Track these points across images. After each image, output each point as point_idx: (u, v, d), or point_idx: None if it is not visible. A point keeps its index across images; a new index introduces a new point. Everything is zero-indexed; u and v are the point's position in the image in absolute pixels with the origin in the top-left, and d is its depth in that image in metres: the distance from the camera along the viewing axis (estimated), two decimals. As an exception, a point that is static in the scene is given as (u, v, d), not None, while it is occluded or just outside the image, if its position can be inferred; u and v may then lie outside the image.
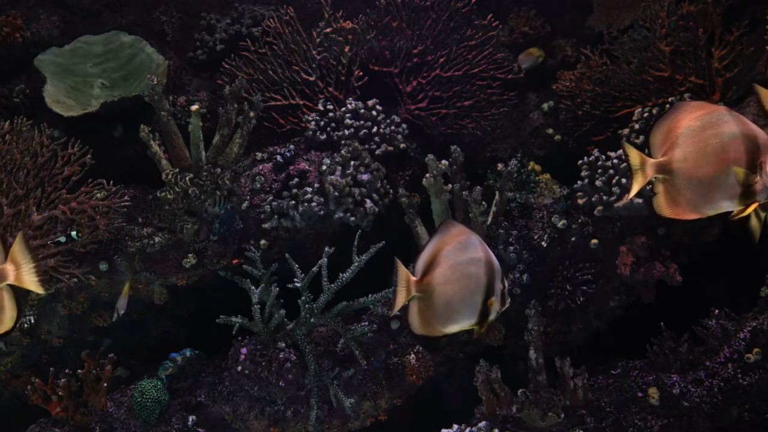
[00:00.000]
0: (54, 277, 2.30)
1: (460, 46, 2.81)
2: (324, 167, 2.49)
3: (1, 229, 2.29)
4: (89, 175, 2.36)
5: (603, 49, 2.67)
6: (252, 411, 2.41)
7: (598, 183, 2.35)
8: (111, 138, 2.69)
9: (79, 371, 2.40)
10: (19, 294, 1.59)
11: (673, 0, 2.45)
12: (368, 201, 2.48)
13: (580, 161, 2.41)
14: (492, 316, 1.54)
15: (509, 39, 2.96)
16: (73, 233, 2.28)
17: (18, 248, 1.53)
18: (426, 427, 2.34)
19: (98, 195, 2.34)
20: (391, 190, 2.58)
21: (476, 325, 1.55)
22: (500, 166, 2.39)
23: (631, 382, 2.29)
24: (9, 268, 1.52)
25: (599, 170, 2.37)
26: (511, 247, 2.40)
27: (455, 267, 1.53)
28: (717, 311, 2.29)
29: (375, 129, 2.66)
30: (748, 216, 1.80)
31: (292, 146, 2.66)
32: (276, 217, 2.49)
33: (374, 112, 2.69)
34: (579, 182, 2.40)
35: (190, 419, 2.41)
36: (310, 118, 2.69)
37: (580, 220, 2.43)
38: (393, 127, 2.69)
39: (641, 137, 2.36)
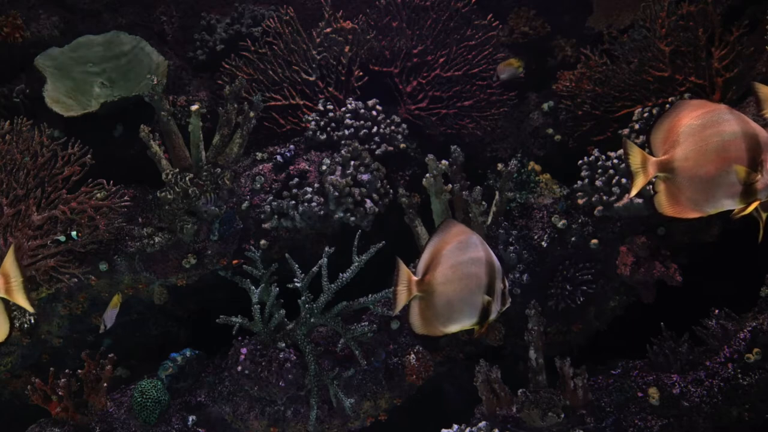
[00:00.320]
0: (54, 277, 2.30)
1: (460, 46, 2.81)
2: (324, 167, 2.49)
3: (1, 229, 2.29)
4: (89, 175, 2.36)
5: (603, 49, 2.67)
6: (252, 411, 2.41)
7: (598, 183, 2.35)
8: (111, 138, 2.69)
9: (79, 371, 2.40)
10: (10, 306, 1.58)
11: (673, 0, 2.45)
12: (368, 201, 2.48)
13: (580, 161, 2.41)
14: (492, 316, 1.54)
15: (509, 39, 2.96)
16: (73, 233, 2.28)
17: (9, 262, 1.51)
18: (426, 427, 2.34)
19: (98, 195, 2.34)
20: (391, 190, 2.58)
21: (477, 325, 1.55)
22: (500, 166, 2.39)
23: (631, 382, 2.29)
24: None
25: (599, 170, 2.37)
26: (511, 247, 2.40)
27: (456, 266, 1.53)
28: (717, 311, 2.29)
29: (375, 129, 2.66)
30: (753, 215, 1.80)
31: (292, 146, 2.66)
32: (276, 217, 2.49)
33: (374, 112, 2.69)
34: (579, 182, 2.41)
35: (190, 419, 2.41)
36: (310, 118, 2.69)
37: (580, 220, 2.43)
38: (393, 127, 2.69)
39: (641, 137, 2.36)
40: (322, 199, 2.46)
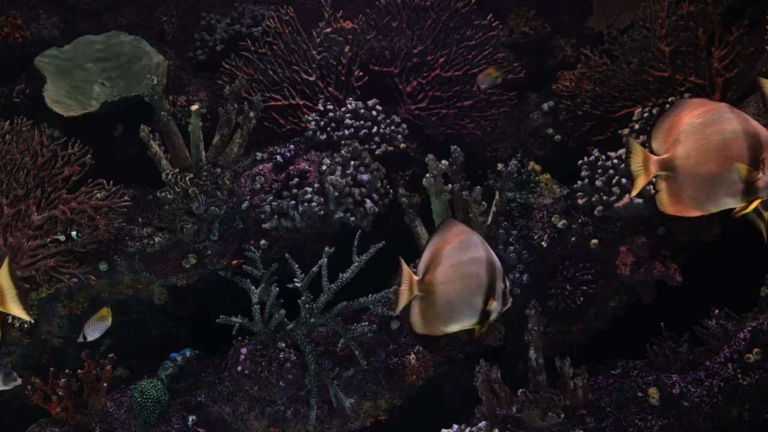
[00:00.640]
0: (54, 277, 2.30)
1: (460, 46, 2.81)
2: (324, 167, 2.49)
3: (1, 229, 2.29)
4: (89, 175, 2.36)
5: (603, 49, 2.67)
6: (252, 411, 2.41)
7: (598, 183, 2.35)
8: (111, 138, 2.69)
9: (79, 371, 2.40)
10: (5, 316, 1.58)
11: (673, 0, 2.45)
12: (368, 201, 2.48)
13: (580, 161, 2.42)
14: (493, 316, 1.54)
15: (509, 39, 2.96)
16: (73, 233, 2.28)
17: (3, 274, 1.51)
18: (426, 427, 2.34)
19: (98, 195, 2.34)
20: (391, 190, 2.58)
21: (477, 325, 1.55)
22: (500, 166, 2.39)
23: (631, 382, 2.29)
24: None
25: (599, 170, 2.37)
26: (511, 247, 2.40)
27: (456, 266, 1.53)
28: (717, 311, 2.29)
29: (375, 129, 2.66)
30: (753, 216, 1.80)
31: (292, 146, 2.66)
32: (276, 217, 2.49)
33: (374, 112, 2.69)
34: (579, 182, 2.41)
35: (190, 419, 2.41)
36: (310, 118, 2.69)
37: (580, 220, 2.43)
38: (393, 127, 2.69)
39: (641, 137, 2.36)
40: (322, 199, 2.46)
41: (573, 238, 2.43)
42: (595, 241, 2.41)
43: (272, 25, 2.82)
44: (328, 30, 2.76)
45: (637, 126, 2.43)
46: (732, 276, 2.45)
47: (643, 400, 2.25)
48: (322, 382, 2.35)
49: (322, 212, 2.45)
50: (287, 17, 2.79)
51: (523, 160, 2.62)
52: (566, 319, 2.50)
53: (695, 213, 1.53)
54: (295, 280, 2.32)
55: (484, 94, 2.84)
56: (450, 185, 2.40)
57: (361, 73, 2.78)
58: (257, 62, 2.82)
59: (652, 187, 2.22)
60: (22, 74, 2.74)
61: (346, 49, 2.76)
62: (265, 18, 2.91)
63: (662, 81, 2.52)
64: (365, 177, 2.49)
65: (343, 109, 2.69)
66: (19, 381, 2.26)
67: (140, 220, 2.48)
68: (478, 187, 2.32)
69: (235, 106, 2.49)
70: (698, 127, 1.49)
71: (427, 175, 2.34)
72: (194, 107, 2.37)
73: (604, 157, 2.38)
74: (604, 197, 2.34)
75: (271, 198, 2.52)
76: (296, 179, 2.54)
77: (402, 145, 2.69)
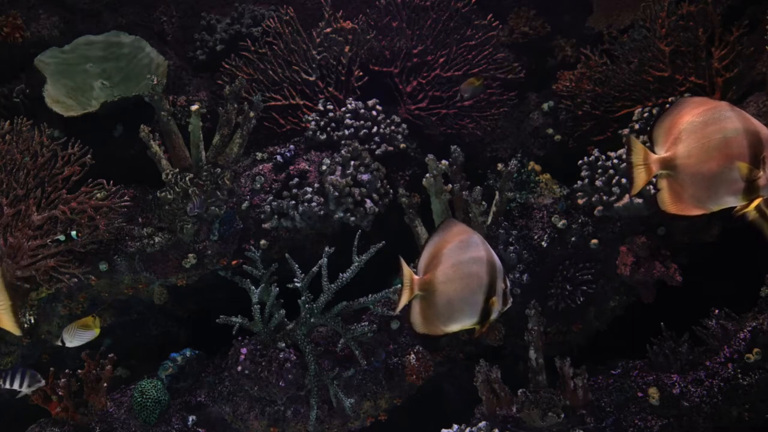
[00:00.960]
0: (54, 277, 2.30)
1: (460, 46, 2.81)
2: (324, 167, 2.49)
3: (1, 229, 2.29)
4: (89, 175, 2.36)
5: (603, 49, 2.67)
6: (252, 411, 2.41)
7: (598, 183, 2.35)
8: (111, 138, 2.69)
9: (79, 371, 2.40)
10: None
11: (673, 0, 2.45)
12: (368, 201, 2.48)
13: (580, 161, 2.42)
14: (493, 316, 1.54)
15: (509, 39, 2.96)
16: (73, 233, 2.28)
17: None
18: (426, 427, 2.34)
19: (98, 195, 2.34)
20: (391, 190, 2.58)
21: (477, 325, 1.55)
22: (500, 166, 2.39)
23: (631, 382, 2.29)
24: None
25: (599, 170, 2.37)
26: (511, 247, 2.40)
27: (457, 266, 1.52)
28: (717, 311, 2.29)
29: (375, 129, 2.66)
30: (756, 216, 1.80)
31: (292, 146, 2.66)
32: (276, 217, 2.49)
33: (374, 112, 2.69)
34: (579, 182, 2.41)
35: (190, 419, 2.41)
36: (310, 118, 2.69)
37: (580, 220, 2.43)
38: (393, 127, 2.69)
39: (641, 137, 2.36)
40: (322, 199, 2.46)
41: (573, 238, 2.43)
42: (595, 241, 2.41)
43: (272, 25, 2.82)
44: (328, 30, 2.76)
45: (637, 126, 2.43)
46: (732, 276, 2.45)
47: (643, 400, 2.25)
48: (322, 382, 2.35)
49: (322, 212, 2.45)
50: (287, 17, 2.79)
51: (523, 160, 2.62)
52: (566, 319, 2.50)
53: (696, 212, 1.52)
54: (295, 280, 2.32)
55: (484, 94, 2.84)
56: (450, 185, 2.40)
57: (361, 73, 2.78)
58: (257, 62, 2.82)
59: (652, 187, 2.22)
60: (22, 74, 2.74)
61: (346, 49, 2.76)
62: (265, 18, 2.92)
63: (662, 81, 2.52)
64: (365, 177, 2.49)
65: (343, 109, 2.69)
66: (42, 382, 2.27)
67: (140, 220, 2.48)
68: (478, 187, 2.32)
69: (235, 106, 2.49)
70: (699, 126, 1.49)
71: (427, 175, 2.34)
72: (194, 107, 2.37)
73: (604, 157, 2.38)
74: (604, 197, 2.34)
75: (271, 198, 2.52)
76: (296, 179, 2.54)
77: (402, 145, 2.69)
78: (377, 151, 2.63)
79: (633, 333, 2.44)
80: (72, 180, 2.34)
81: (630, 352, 2.42)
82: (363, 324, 2.36)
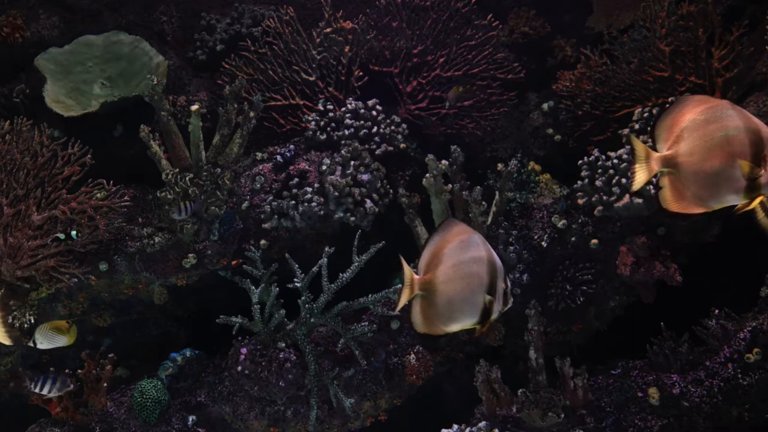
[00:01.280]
0: (54, 277, 2.30)
1: (460, 46, 2.81)
2: (324, 167, 2.49)
3: (1, 229, 2.29)
4: (89, 175, 2.36)
5: (603, 49, 2.67)
6: (252, 411, 2.41)
7: (598, 183, 2.35)
8: (111, 138, 2.69)
9: (79, 371, 2.40)
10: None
11: (673, 0, 2.45)
12: (368, 201, 2.48)
13: (580, 161, 2.42)
14: (493, 316, 1.54)
15: (509, 39, 2.96)
16: (73, 233, 2.27)
17: None
18: (426, 427, 2.34)
19: (98, 195, 2.34)
20: (391, 190, 2.58)
21: (478, 324, 1.55)
22: (500, 166, 2.39)
23: (631, 382, 2.29)
24: None
25: (599, 170, 2.37)
26: (511, 247, 2.40)
27: (457, 265, 1.52)
28: (717, 311, 2.29)
29: (375, 129, 2.66)
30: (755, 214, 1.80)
31: (292, 146, 2.66)
32: (276, 217, 2.49)
33: (374, 112, 2.69)
34: (579, 182, 2.41)
35: (190, 419, 2.41)
36: (310, 118, 2.69)
37: (580, 220, 2.43)
38: (393, 127, 2.69)
39: (641, 137, 2.36)
40: (322, 199, 2.46)
41: (573, 238, 2.43)
42: (595, 241, 2.41)
43: (272, 25, 2.82)
44: (328, 30, 2.76)
45: (637, 126, 2.43)
46: (732, 276, 2.45)
47: (643, 400, 2.25)
48: (322, 382, 2.35)
49: (322, 212, 2.45)
50: (287, 17, 2.79)
51: (523, 160, 2.62)
52: (566, 319, 2.50)
53: (698, 210, 1.52)
54: (295, 280, 2.32)
55: (484, 94, 2.84)
56: (450, 185, 2.40)
57: (361, 73, 2.78)
58: (257, 62, 2.82)
59: (652, 187, 2.22)
60: (22, 74, 2.75)
61: (346, 49, 2.76)
62: (265, 18, 2.92)
63: (662, 81, 2.52)
64: (365, 177, 2.49)
65: (343, 109, 2.69)
66: (71, 387, 2.28)
67: (140, 220, 2.48)
68: (478, 187, 2.32)
69: (235, 106, 2.49)
70: (701, 124, 1.49)
71: (427, 175, 2.34)
72: (194, 107, 2.37)
73: (604, 157, 2.38)
74: (604, 197, 2.34)
75: (271, 198, 2.52)
76: (296, 179, 2.54)
77: (402, 145, 2.69)
78: (377, 151, 2.63)
79: (633, 333, 2.44)
80: (72, 180, 2.34)
81: (630, 352, 2.42)
82: (363, 324, 2.36)
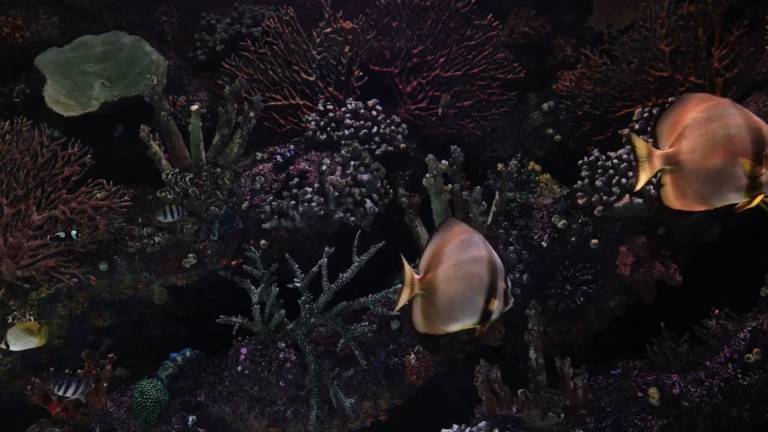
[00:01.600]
0: (54, 277, 2.30)
1: (460, 46, 2.81)
2: (324, 167, 2.49)
3: (1, 229, 2.28)
4: (89, 175, 2.36)
5: (603, 49, 2.67)
6: (252, 411, 2.41)
7: (598, 183, 2.35)
8: (111, 138, 2.69)
9: (79, 371, 2.40)
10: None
11: (673, 0, 2.45)
12: (368, 201, 2.48)
13: (580, 161, 2.42)
14: (494, 316, 1.54)
15: (509, 39, 2.96)
16: (73, 232, 2.27)
17: None
18: (426, 427, 2.34)
19: (98, 195, 2.34)
20: (391, 190, 2.58)
21: (478, 324, 1.55)
22: (500, 166, 2.39)
23: (631, 382, 2.29)
24: None
25: (599, 170, 2.37)
26: (511, 247, 2.40)
27: (458, 265, 1.52)
28: (717, 311, 2.29)
29: (375, 129, 2.66)
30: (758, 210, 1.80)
31: (292, 146, 2.66)
32: (276, 217, 2.49)
33: (374, 112, 2.69)
34: (579, 182, 2.41)
35: (190, 419, 2.41)
36: (310, 118, 2.69)
37: (580, 220, 2.43)
38: (393, 127, 2.69)
39: (642, 137, 2.36)
40: (322, 199, 2.46)
41: (573, 238, 2.43)
42: (595, 241, 2.41)
43: (272, 25, 2.82)
44: (328, 30, 2.76)
45: (637, 126, 2.43)
46: (732, 276, 2.45)
47: (643, 400, 2.25)
48: (322, 382, 2.35)
49: (322, 212, 2.45)
50: (287, 17, 2.79)
51: (523, 160, 2.62)
52: (566, 319, 2.50)
53: (700, 208, 1.53)
54: (295, 280, 2.32)
55: (484, 94, 2.84)
56: (450, 185, 2.40)
57: (361, 73, 2.78)
58: (257, 62, 2.82)
59: (652, 187, 2.22)
60: (22, 74, 2.75)
61: (346, 49, 2.76)
62: (265, 18, 2.92)
63: (662, 81, 2.52)
64: (365, 177, 2.49)
65: (343, 109, 2.69)
66: (92, 386, 2.33)
67: (140, 220, 2.48)
68: (478, 187, 2.32)
69: (235, 106, 2.49)
70: (702, 122, 1.49)
71: (427, 175, 2.34)
72: (194, 107, 2.37)
73: (604, 157, 2.38)
74: (604, 197, 2.34)
75: (271, 198, 2.52)
76: (296, 179, 2.54)
77: (402, 145, 2.69)
78: (377, 151, 2.63)
79: (633, 333, 2.44)
80: (72, 180, 2.34)
81: (630, 352, 2.42)
82: (363, 324, 2.36)
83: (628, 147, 2.36)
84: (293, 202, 2.47)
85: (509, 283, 1.57)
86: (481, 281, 1.52)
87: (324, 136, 2.65)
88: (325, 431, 2.43)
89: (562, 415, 2.17)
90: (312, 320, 2.34)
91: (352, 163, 2.52)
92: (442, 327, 1.55)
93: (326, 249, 2.28)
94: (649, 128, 2.39)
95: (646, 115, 2.44)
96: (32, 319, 2.41)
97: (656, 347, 2.33)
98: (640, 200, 2.26)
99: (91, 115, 2.56)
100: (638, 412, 2.25)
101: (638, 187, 1.58)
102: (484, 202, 2.34)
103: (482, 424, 2.21)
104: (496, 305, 1.53)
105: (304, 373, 2.36)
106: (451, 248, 1.53)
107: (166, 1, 3.01)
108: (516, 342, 2.45)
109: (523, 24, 2.97)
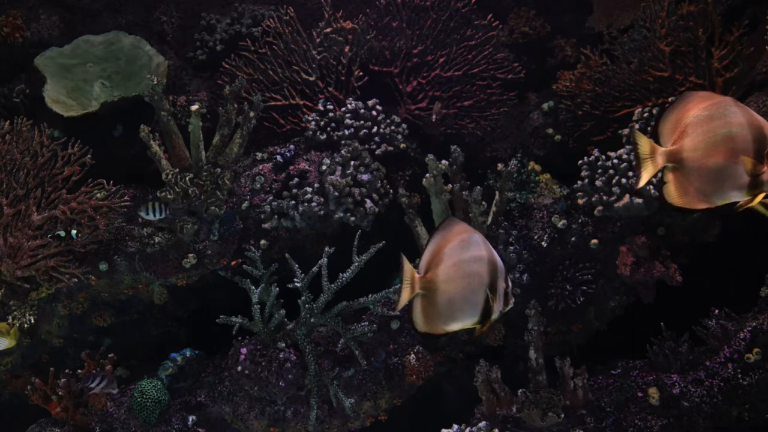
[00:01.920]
0: (54, 277, 2.30)
1: (460, 46, 2.81)
2: (324, 167, 2.49)
3: (1, 229, 2.29)
4: (89, 175, 2.36)
5: (603, 49, 2.67)
6: (252, 411, 2.41)
7: (598, 183, 2.35)
8: (111, 138, 2.69)
9: (79, 371, 2.40)
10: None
11: (673, 0, 2.45)
12: (368, 201, 2.48)
13: (580, 161, 2.41)
14: (494, 315, 1.54)
15: (509, 39, 2.96)
16: (73, 232, 2.27)
17: None
18: (426, 427, 2.34)
19: (98, 195, 2.34)
20: (391, 190, 2.58)
21: (478, 324, 1.55)
22: (500, 166, 2.39)
23: (631, 382, 2.29)
24: None
25: (599, 170, 2.37)
26: (511, 247, 2.40)
27: (458, 265, 1.52)
28: (717, 311, 2.29)
29: (375, 129, 2.66)
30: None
31: (292, 146, 2.66)
32: (276, 217, 2.49)
33: (374, 112, 2.69)
34: (579, 182, 2.41)
35: (190, 419, 2.41)
36: (310, 118, 2.69)
37: (580, 220, 2.43)
38: (393, 127, 2.69)
39: (642, 137, 2.36)
40: (322, 199, 2.46)
41: (573, 238, 2.43)
42: (595, 241, 2.41)
43: (272, 25, 2.82)
44: (328, 30, 2.76)
45: (637, 126, 2.43)
46: (732, 276, 2.45)
47: (643, 400, 2.25)
48: (322, 382, 2.35)
49: (322, 212, 2.45)
50: (287, 17, 2.79)
51: (523, 160, 2.62)
52: (566, 319, 2.50)
53: (702, 205, 1.53)
54: (295, 280, 2.32)
55: (484, 94, 2.84)
56: (450, 185, 2.40)
57: (361, 73, 2.78)
58: (257, 62, 2.82)
59: (652, 187, 2.22)
60: (22, 74, 2.75)
61: (346, 49, 2.76)
62: (265, 18, 2.92)
63: (662, 81, 2.52)
64: (365, 177, 2.49)
65: (343, 109, 2.69)
66: (116, 390, 2.37)
67: (140, 220, 2.48)
68: (478, 187, 2.32)
69: (235, 106, 2.49)
70: (704, 120, 1.49)
71: (427, 175, 2.34)
72: (194, 107, 2.37)
73: (604, 157, 2.38)
74: (604, 197, 2.34)
75: (271, 198, 2.52)
76: (296, 179, 2.54)
77: (402, 145, 2.69)
78: (377, 151, 2.63)
79: (633, 333, 2.44)
80: (72, 180, 2.35)
81: (630, 352, 2.42)
82: (363, 324, 2.36)
83: (628, 147, 2.36)
84: (293, 202, 2.47)
85: (509, 283, 1.57)
86: (482, 281, 1.52)
87: (324, 136, 2.65)
88: (325, 431, 2.43)
89: (562, 415, 2.17)
90: (312, 320, 2.34)
91: (352, 163, 2.52)
92: (442, 326, 1.55)
93: (326, 249, 2.28)
94: (649, 128, 2.39)
95: (646, 115, 2.44)
96: (33, 320, 2.41)
97: (656, 347, 2.33)
98: (640, 200, 2.26)
99: (91, 115, 2.56)
100: (638, 412, 2.25)
101: (641, 183, 1.58)
102: (484, 202, 2.34)
103: (482, 424, 2.21)
104: (497, 305, 1.53)
105: (304, 373, 2.36)
106: (451, 248, 1.53)
107: (166, 1, 3.02)
108: (516, 342, 2.45)
109: (523, 24, 2.96)
